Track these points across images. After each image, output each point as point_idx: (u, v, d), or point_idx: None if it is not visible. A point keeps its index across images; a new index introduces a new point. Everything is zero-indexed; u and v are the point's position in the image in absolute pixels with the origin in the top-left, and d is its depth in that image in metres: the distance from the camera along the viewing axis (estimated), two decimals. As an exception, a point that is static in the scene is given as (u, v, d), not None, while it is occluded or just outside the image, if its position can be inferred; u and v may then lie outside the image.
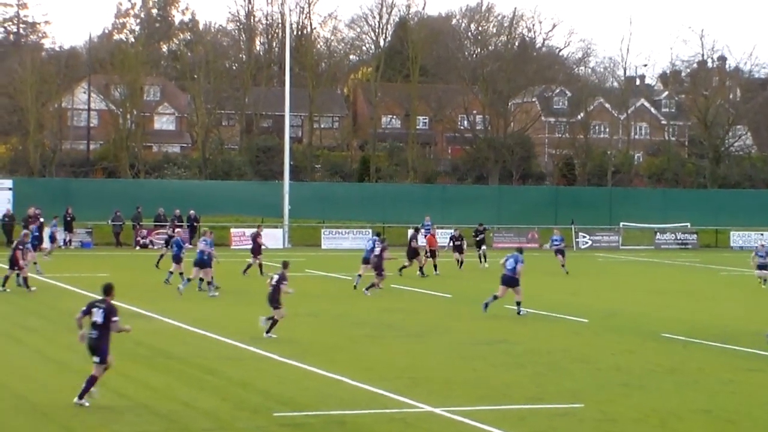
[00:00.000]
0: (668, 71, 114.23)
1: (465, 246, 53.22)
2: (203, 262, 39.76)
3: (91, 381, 20.43)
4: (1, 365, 24.73)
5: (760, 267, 44.17)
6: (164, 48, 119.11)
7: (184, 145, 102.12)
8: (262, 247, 48.29)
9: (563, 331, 32.18)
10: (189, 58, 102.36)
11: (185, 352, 27.06)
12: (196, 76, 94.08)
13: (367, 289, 40.22)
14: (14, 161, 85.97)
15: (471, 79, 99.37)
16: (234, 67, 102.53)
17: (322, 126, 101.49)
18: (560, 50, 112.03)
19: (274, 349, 27.11)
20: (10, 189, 69.16)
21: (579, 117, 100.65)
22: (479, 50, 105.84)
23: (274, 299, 29.43)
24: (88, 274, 42.76)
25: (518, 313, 34.86)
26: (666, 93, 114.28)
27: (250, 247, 48.85)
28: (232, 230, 67.46)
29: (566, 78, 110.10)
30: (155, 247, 65.54)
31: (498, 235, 72.46)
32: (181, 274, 40.93)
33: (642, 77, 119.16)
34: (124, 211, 67.16)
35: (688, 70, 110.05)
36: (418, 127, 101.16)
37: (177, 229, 48.35)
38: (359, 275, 42.45)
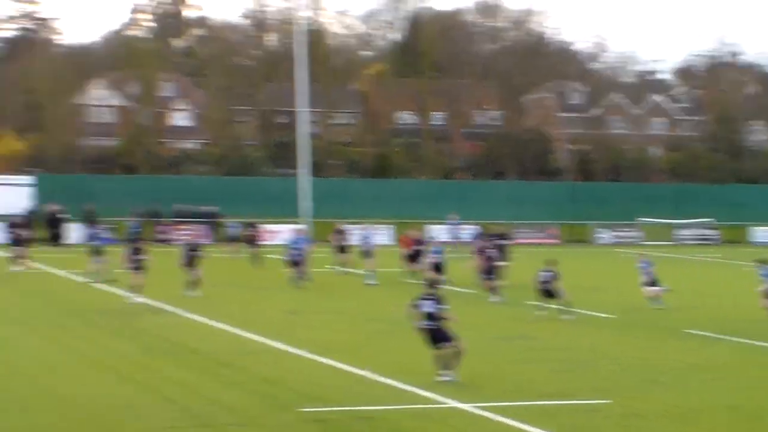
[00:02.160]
0: (683, 66, 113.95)
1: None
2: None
3: (458, 356, 22.28)
4: (32, 362, 24.88)
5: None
6: (179, 44, 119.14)
7: (202, 141, 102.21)
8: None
9: (587, 327, 32.14)
10: (203, 55, 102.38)
11: (211, 347, 27.08)
12: (211, 73, 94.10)
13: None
14: (33, 158, 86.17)
15: (486, 75, 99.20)
16: (248, 64, 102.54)
17: (338, 122, 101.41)
18: (574, 45, 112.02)
19: (299, 345, 27.13)
20: (30, 186, 69.44)
21: (595, 112, 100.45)
22: (493, 46, 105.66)
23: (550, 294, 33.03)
24: (112, 269, 42.82)
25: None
26: (682, 88, 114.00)
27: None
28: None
29: (581, 73, 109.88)
30: (175, 243, 65.65)
31: (517, 232, 72.27)
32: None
33: (657, 72, 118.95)
34: (144, 207, 67.29)
35: (704, 65, 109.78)
36: (433, 122, 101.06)
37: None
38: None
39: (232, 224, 56.29)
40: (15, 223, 47.67)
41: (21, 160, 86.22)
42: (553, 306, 33.90)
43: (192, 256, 38.49)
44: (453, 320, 22.71)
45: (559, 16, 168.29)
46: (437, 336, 22.35)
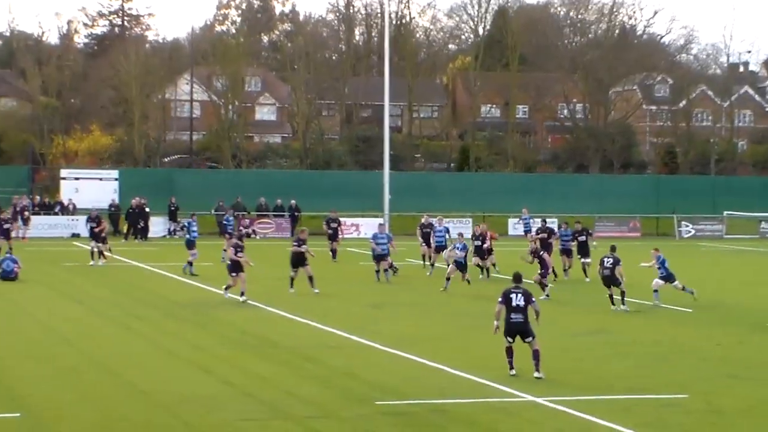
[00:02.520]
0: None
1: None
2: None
3: (537, 355, 22.42)
4: (113, 353, 25.26)
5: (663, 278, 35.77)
6: (265, 39, 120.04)
7: (285, 135, 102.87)
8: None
9: (667, 322, 31.91)
10: (289, 49, 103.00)
11: (290, 341, 27.33)
12: (296, 67, 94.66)
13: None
14: (119, 152, 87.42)
15: (571, 68, 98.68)
16: (334, 58, 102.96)
17: (422, 115, 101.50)
18: (662, 37, 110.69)
19: (377, 339, 27.29)
20: (115, 179, 70.51)
21: (681, 105, 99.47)
22: (579, 38, 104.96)
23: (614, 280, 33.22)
24: (195, 263, 43.34)
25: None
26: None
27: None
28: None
29: (668, 65, 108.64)
30: (257, 237, 66.30)
31: (599, 224, 71.98)
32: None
33: (746, 64, 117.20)
34: (227, 201, 67.94)
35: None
36: (517, 116, 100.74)
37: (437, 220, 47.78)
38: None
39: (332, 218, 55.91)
40: (91, 217, 48.20)
41: (107, 155, 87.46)
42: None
43: (300, 254, 37.36)
44: (540, 313, 23.04)
45: (648, 8, 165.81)
46: (522, 329, 22.46)
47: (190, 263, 42.87)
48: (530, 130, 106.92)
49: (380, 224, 47.56)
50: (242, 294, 34.61)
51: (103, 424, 18.53)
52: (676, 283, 35.21)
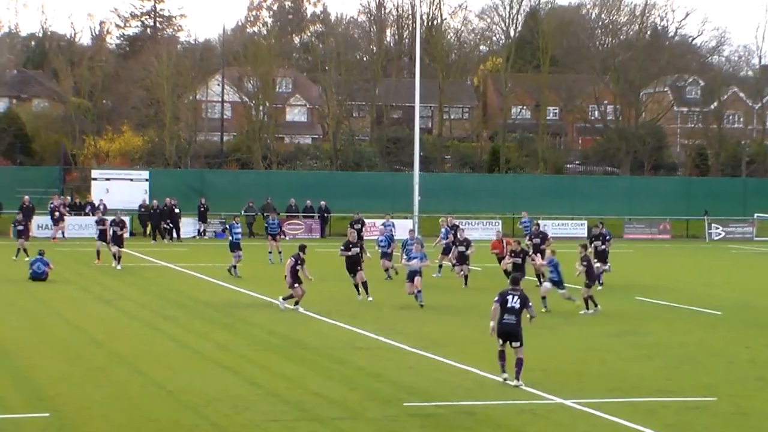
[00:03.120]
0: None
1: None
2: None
3: (520, 363, 21.94)
4: (141, 353, 25.39)
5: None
6: (296, 40, 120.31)
7: (316, 136, 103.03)
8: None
9: (695, 324, 31.82)
10: (320, 50, 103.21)
11: (317, 341, 27.40)
12: (327, 68, 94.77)
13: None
14: (151, 153, 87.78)
15: (602, 69, 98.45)
16: (365, 59, 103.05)
17: (452, 117, 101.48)
18: (693, 39, 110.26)
19: (404, 340, 27.32)
20: (146, 180, 70.81)
21: (712, 106, 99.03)
22: (610, 40, 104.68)
23: None
24: (223, 264, 43.49)
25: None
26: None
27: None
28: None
29: (699, 67, 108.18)
30: (286, 237, 66.37)
31: (629, 226, 71.77)
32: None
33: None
34: (257, 202, 68.08)
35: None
36: (548, 117, 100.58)
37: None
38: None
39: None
40: (116, 221, 48.10)
41: (138, 155, 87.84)
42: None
43: (354, 260, 36.39)
44: (535, 318, 23.02)
45: (680, 10, 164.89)
46: (512, 331, 22.21)
47: (235, 266, 42.77)
48: (561, 131, 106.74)
49: (410, 230, 46.95)
50: (296, 303, 33.33)
51: (131, 424, 18.64)
52: (563, 291, 33.87)
